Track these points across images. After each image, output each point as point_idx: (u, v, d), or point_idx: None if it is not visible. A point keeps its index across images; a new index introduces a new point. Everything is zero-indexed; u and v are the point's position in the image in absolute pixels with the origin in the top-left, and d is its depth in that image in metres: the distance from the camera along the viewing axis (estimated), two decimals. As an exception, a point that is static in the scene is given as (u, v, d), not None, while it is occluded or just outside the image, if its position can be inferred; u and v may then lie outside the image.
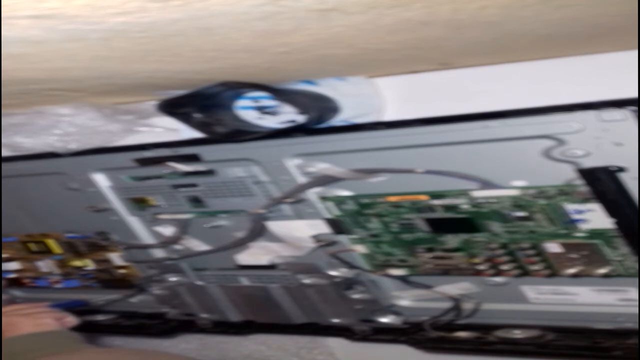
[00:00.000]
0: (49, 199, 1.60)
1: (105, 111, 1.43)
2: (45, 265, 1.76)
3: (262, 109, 1.30)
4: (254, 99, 1.29)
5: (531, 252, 1.25)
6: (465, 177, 1.20)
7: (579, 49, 1.13)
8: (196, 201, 1.45)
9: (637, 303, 1.25)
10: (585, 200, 1.14)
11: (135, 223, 1.55)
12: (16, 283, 1.83)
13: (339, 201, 1.33)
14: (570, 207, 1.17)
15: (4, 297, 1.83)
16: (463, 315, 1.38)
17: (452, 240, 1.29)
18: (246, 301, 1.58)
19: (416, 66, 1.24)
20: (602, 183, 1.10)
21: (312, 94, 1.27)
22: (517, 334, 1.33)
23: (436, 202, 1.25)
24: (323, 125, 1.27)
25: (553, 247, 1.23)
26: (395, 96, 1.29)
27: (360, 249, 1.38)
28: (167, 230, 1.53)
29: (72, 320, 1.42)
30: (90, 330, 1.76)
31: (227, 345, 1.74)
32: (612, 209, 1.13)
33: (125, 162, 1.44)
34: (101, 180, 1.51)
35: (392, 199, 1.28)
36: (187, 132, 1.36)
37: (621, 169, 1.08)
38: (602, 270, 1.22)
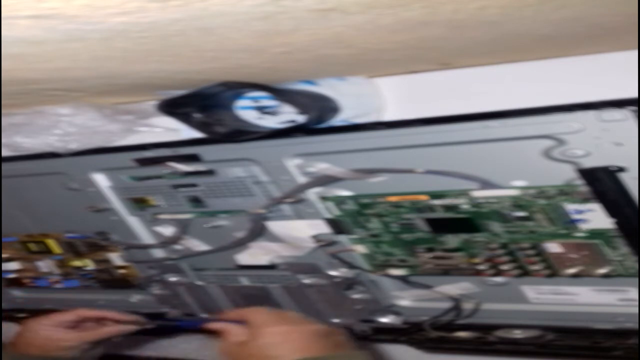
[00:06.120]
0: (49, 199, 1.60)
1: (105, 111, 1.43)
2: (45, 265, 1.76)
3: (262, 109, 1.30)
4: (254, 99, 1.29)
5: (531, 252, 1.25)
6: (465, 177, 1.20)
7: (579, 49, 1.13)
8: (196, 201, 1.45)
9: (637, 303, 1.25)
10: (585, 200, 1.14)
11: (135, 223, 1.55)
12: (16, 283, 1.83)
13: (339, 201, 1.33)
14: (570, 207, 1.17)
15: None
16: (463, 315, 1.38)
17: (452, 240, 1.29)
18: (246, 301, 1.57)
19: (416, 66, 1.24)
20: (602, 183, 1.10)
21: (312, 94, 1.27)
22: (517, 334, 1.33)
23: (436, 202, 1.25)
24: (323, 125, 1.27)
25: (553, 247, 1.23)
26: (395, 96, 1.29)
27: (360, 249, 1.38)
28: (167, 230, 1.53)
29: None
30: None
31: (227, 345, 1.73)
32: (612, 209, 1.13)
33: (125, 162, 1.44)
34: (101, 180, 1.51)
35: (392, 199, 1.28)
36: (187, 132, 1.36)
37: (621, 169, 1.08)
38: (602, 270, 1.22)
